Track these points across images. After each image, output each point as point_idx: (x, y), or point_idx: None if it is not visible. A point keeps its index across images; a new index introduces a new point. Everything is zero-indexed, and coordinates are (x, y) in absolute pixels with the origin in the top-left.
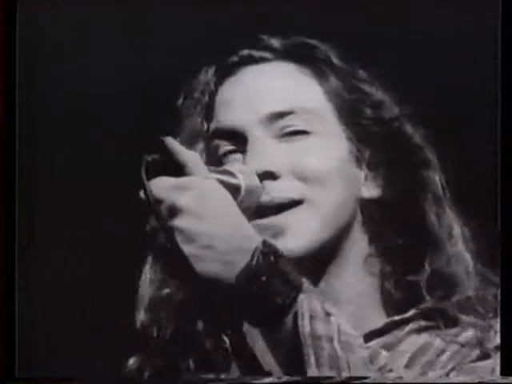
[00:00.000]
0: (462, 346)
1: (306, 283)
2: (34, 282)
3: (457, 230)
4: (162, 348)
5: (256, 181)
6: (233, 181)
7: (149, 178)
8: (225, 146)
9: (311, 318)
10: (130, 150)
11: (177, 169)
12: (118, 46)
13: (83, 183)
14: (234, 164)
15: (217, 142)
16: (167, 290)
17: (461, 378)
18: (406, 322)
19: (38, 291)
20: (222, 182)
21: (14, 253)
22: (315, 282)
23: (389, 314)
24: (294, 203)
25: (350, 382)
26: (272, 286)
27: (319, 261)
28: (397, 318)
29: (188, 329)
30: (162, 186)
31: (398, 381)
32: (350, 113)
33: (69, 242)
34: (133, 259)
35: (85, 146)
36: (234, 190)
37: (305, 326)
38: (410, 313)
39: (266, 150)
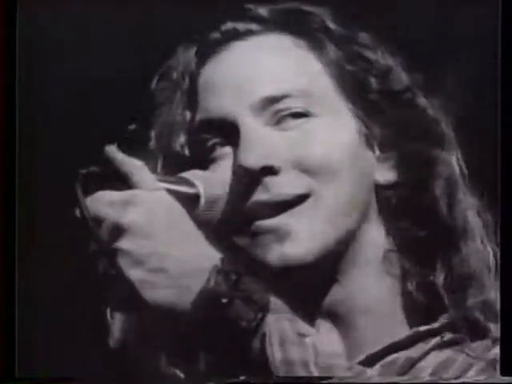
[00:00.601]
0: (490, 363)
1: (273, 302)
2: (34, 282)
3: (474, 221)
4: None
5: (218, 188)
6: (190, 190)
7: (87, 194)
8: (212, 139)
9: (281, 342)
10: (129, 149)
11: (119, 181)
12: (118, 45)
13: (83, 183)
14: (192, 170)
15: (203, 134)
16: None
17: (461, 378)
18: (434, 333)
19: (38, 291)
20: (175, 193)
21: (14, 253)
22: (327, 288)
23: (412, 323)
24: (299, 199)
25: (345, 381)
26: (234, 308)
27: (333, 263)
28: (422, 328)
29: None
30: (101, 202)
31: (395, 380)
32: (355, 86)
33: (69, 242)
34: None
35: (85, 146)
36: (191, 200)
37: (274, 352)
38: (438, 323)
39: (261, 141)
